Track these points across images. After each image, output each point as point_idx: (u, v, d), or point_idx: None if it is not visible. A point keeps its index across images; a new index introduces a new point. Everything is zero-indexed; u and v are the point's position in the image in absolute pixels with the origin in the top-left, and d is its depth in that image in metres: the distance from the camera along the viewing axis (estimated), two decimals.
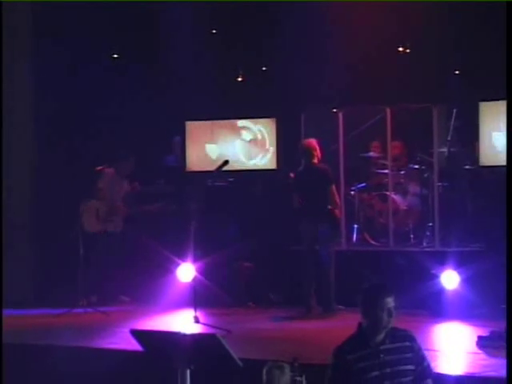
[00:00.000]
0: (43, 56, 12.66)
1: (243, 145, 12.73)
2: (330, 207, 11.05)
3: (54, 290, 11.94)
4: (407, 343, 5.92)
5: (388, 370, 5.80)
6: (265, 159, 12.63)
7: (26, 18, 12.90)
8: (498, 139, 11.44)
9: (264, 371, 6.99)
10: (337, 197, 11.26)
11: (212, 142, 12.87)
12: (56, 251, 12.27)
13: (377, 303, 5.86)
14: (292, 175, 11.20)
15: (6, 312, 9.30)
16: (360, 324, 5.94)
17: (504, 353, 8.29)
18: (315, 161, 11.12)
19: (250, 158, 12.70)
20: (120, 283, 11.96)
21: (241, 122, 12.75)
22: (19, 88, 12.98)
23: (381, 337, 5.87)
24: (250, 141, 12.70)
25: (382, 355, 5.82)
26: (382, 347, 5.84)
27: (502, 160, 11.49)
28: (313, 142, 11.19)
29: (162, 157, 13.61)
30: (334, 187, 11.21)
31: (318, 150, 11.12)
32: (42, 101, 12.76)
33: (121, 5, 12.65)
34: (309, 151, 11.12)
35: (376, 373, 5.79)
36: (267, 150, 12.58)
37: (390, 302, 5.86)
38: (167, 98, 13.00)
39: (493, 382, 7.21)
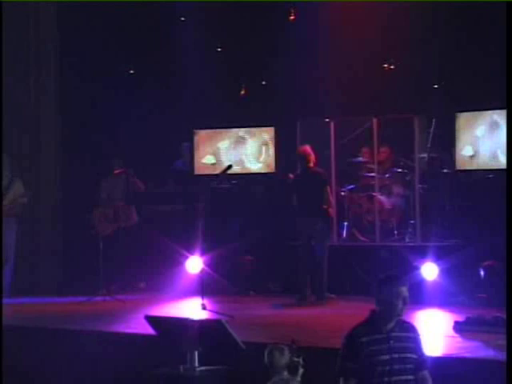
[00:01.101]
0: (68, 70, 12.68)
1: (245, 150, 12.76)
2: (324, 206, 11.08)
3: (78, 281, 11.95)
4: (412, 334, 5.92)
5: (396, 356, 5.77)
6: (264, 163, 12.67)
7: (53, 35, 12.91)
8: (472, 146, 11.51)
9: (265, 353, 7.01)
10: (331, 197, 11.28)
11: (217, 148, 12.91)
12: (79, 247, 12.26)
13: (393, 291, 5.80)
14: (291, 176, 11.20)
15: (35, 300, 9.30)
16: (373, 311, 5.89)
17: (478, 336, 8.38)
18: (311, 165, 11.14)
19: (251, 162, 12.74)
20: (136, 274, 11.95)
21: (243, 131, 12.80)
22: (46, 99, 12.98)
23: (391, 325, 5.83)
24: (251, 147, 12.74)
25: (391, 341, 5.78)
26: (391, 334, 5.81)
27: (475, 164, 11.54)
28: (308, 148, 11.21)
29: (172, 161, 13.60)
30: (328, 188, 11.24)
31: (313, 155, 11.14)
32: (66, 111, 12.78)
33: (137, 27, 12.69)
34: (305, 156, 11.14)
35: (385, 357, 5.75)
36: (267, 156, 12.65)
37: (405, 291, 5.81)
38: (177, 108, 13.00)
39: (468, 362, 7.20)
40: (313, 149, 11.20)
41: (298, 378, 6.94)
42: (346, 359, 5.81)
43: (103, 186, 12.51)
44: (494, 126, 11.42)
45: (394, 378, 5.76)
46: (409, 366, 5.82)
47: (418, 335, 5.99)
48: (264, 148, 12.66)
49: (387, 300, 5.82)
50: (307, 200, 10.97)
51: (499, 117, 11.36)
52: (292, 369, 6.98)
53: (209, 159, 12.73)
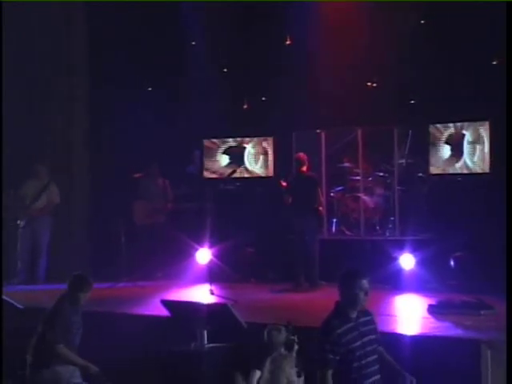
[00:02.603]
0: (98, 86, 12.71)
1: (247, 157, 12.79)
2: (316, 206, 11.08)
3: (103, 269, 11.93)
4: (369, 317, 5.83)
5: (366, 339, 5.68)
6: (264, 168, 12.68)
7: (83, 59, 12.95)
8: (443, 152, 11.53)
9: (265, 332, 7.02)
10: (321, 197, 11.29)
11: (223, 154, 12.93)
12: (105, 240, 12.26)
13: (355, 284, 5.68)
14: (284, 184, 11.14)
15: (65, 286, 9.21)
16: (338, 302, 5.77)
17: (448, 317, 8.35)
18: (304, 169, 11.14)
19: (253, 167, 12.76)
20: (154, 264, 11.93)
21: (246, 140, 12.82)
22: (76, 109, 13.02)
23: (355, 313, 5.72)
24: (253, 153, 12.76)
25: (360, 327, 5.68)
26: (358, 321, 5.71)
27: (446, 169, 11.55)
28: (303, 155, 11.20)
29: (184, 166, 13.59)
30: (319, 190, 11.24)
31: (306, 162, 11.15)
32: (95, 119, 12.79)
33: (155, 52, 12.71)
34: (299, 162, 11.14)
35: (358, 342, 5.64)
36: (266, 161, 12.65)
37: (366, 283, 5.70)
38: (189, 120, 13.00)
39: (439, 340, 7.21)
40: (307, 155, 11.20)
41: (294, 354, 6.95)
42: (325, 351, 5.59)
43: (141, 185, 12.42)
44: (462, 136, 11.45)
45: (368, 359, 5.67)
46: (374, 346, 5.76)
47: (373, 316, 5.91)
48: (263, 155, 12.70)
49: (351, 292, 5.69)
50: (301, 200, 10.96)
51: (466, 128, 11.40)
52: (288, 346, 6.99)
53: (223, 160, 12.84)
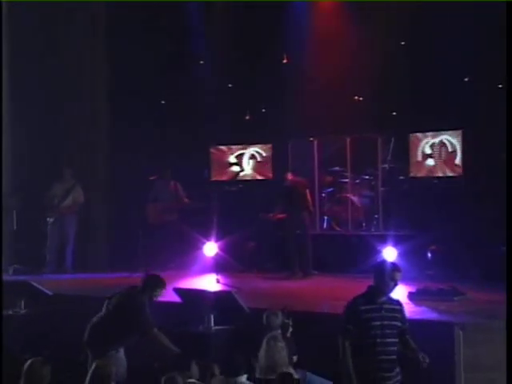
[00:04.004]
0: (118, 101, 12.73)
1: (249, 161, 12.79)
2: (307, 205, 11.08)
3: (122, 261, 11.93)
4: (398, 307, 5.93)
5: (386, 322, 5.78)
6: (264, 172, 12.69)
7: (104, 74, 12.97)
8: (422, 157, 11.52)
9: (264, 316, 7.05)
10: (310, 198, 11.25)
11: (228, 160, 12.93)
12: (124, 235, 12.24)
13: (388, 273, 5.81)
14: (271, 216, 11.10)
15: (90, 275, 9.22)
16: (370, 286, 5.88)
17: (426, 303, 8.34)
18: (293, 178, 11.11)
19: (253, 170, 12.77)
20: (167, 256, 11.90)
21: (248, 146, 12.84)
22: (99, 121, 12.95)
23: (384, 298, 5.84)
24: (254, 158, 12.77)
25: (383, 311, 5.79)
26: (383, 306, 5.81)
27: (424, 173, 11.57)
28: (290, 175, 11.14)
29: (194, 170, 13.52)
30: (308, 191, 11.22)
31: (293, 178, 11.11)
32: (116, 128, 12.78)
33: (168, 70, 12.72)
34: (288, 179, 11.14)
35: (378, 322, 5.75)
36: (266, 166, 12.67)
37: (398, 275, 5.83)
38: (198, 130, 12.99)
39: (417, 322, 7.18)
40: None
41: (288, 335, 6.99)
42: (348, 322, 5.77)
43: (156, 187, 12.39)
44: (439, 143, 11.47)
45: (384, 340, 5.76)
46: (395, 331, 5.82)
47: (403, 308, 5.99)
48: (263, 160, 12.71)
49: (382, 280, 5.81)
50: (295, 201, 10.94)
51: (443, 136, 11.42)
52: (284, 328, 7.02)
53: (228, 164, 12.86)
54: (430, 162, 11.52)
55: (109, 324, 7.23)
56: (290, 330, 7.04)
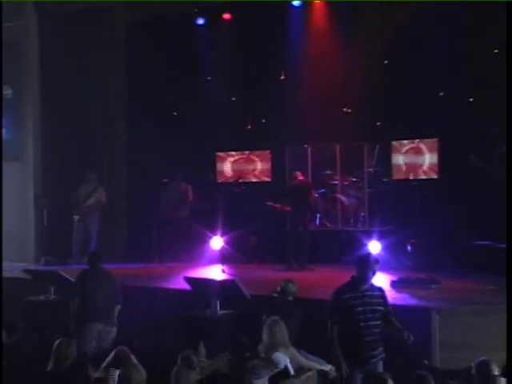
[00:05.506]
0: (135, 112, 12.71)
1: (251, 166, 12.79)
2: (309, 204, 10.97)
3: (139, 252, 11.93)
4: (379, 293, 5.97)
5: (368, 308, 5.82)
6: (264, 175, 12.68)
7: (123, 89, 12.96)
8: (403, 162, 11.51)
9: (282, 284, 7.23)
10: (313, 199, 11.19)
11: (232, 164, 12.92)
12: (141, 231, 12.23)
13: (369, 265, 5.86)
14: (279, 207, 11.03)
15: (111, 266, 9.18)
16: (353, 276, 5.91)
17: (406, 290, 8.33)
18: (300, 178, 11.08)
19: (254, 173, 12.75)
20: (179, 249, 11.88)
21: (250, 153, 12.82)
22: (117, 128, 12.98)
23: (365, 287, 5.88)
24: (255, 163, 12.77)
25: (365, 298, 5.82)
26: (365, 293, 5.86)
27: (404, 176, 11.55)
28: (299, 174, 11.11)
29: (202, 173, 13.51)
30: (312, 192, 11.17)
31: (300, 175, 11.12)
32: (133, 137, 12.77)
33: (179, 85, 12.72)
34: (294, 176, 11.12)
35: (360, 308, 5.79)
36: (266, 169, 12.65)
37: (376, 266, 5.90)
38: (206, 138, 12.99)
39: (399, 308, 7.15)
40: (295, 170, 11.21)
41: (290, 298, 7.02)
42: (334, 309, 5.83)
43: (168, 188, 12.30)
44: (418, 149, 11.46)
45: (367, 323, 5.80)
46: (377, 314, 5.86)
47: (384, 293, 6.03)
48: (263, 164, 12.71)
49: (363, 270, 5.86)
50: (300, 199, 10.85)
51: (421, 144, 11.42)
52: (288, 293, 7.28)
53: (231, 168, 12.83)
54: (410, 166, 11.51)
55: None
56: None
